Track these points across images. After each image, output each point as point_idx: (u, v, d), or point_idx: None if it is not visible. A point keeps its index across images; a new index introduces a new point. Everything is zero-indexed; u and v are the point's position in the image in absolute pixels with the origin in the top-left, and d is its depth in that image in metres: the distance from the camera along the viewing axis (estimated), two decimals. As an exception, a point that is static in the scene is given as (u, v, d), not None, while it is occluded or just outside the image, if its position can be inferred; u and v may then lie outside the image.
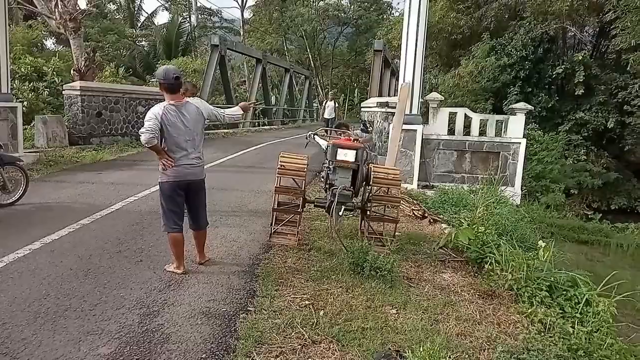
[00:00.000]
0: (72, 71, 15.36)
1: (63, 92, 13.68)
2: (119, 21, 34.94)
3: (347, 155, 5.10)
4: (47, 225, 5.84)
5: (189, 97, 4.76)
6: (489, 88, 20.78)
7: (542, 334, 4.02)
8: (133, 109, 14.72)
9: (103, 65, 19.60)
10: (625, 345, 4.44)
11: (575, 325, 4.27)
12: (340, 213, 5.23)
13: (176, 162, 4.35)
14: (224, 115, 4.88)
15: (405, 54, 10.77)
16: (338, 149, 5.11)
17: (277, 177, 5.56)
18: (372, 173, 5.55)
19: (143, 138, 4.15)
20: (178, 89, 4.36)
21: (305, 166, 5.57)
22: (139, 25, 38.09)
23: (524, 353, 3.58)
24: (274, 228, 5.78)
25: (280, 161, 5.57)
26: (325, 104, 19.46)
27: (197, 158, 4.51)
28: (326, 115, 18.68)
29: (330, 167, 5.17)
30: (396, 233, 5.99)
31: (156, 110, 4.24)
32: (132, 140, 14.26)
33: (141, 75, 29.90)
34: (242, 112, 5.09)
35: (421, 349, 3.05)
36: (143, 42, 37.37)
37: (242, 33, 41.37)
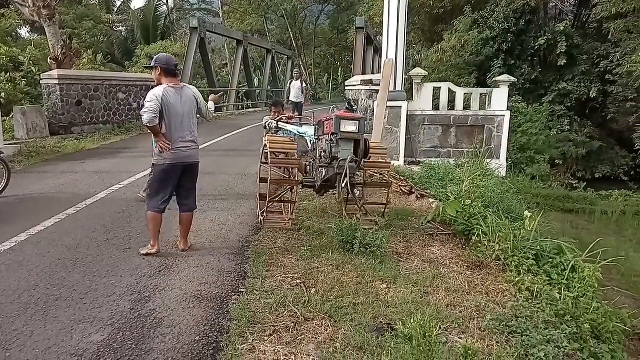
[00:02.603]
0: (49, 60, 15.04)
1: (41, 81, 13.42)
2: (94, 7, 34.12)
3: (351, 127, 5.10)
4: (32, 216, 5.77)
5: None
6: (472, 62, 20.76)
7: (530, 301, 4.10)
8: (113, 96, 14.46)
9: (80, 53, 19.15)
10: (610, 309, 4.54)
11: (562, 292, 4.35)
12: (343, 185, 5.22)
13: (174, 145, 4.45)
14: (210, 112, 5.08)
15: (388, 30, 10.70)
16: (342, 121, 5.08)
17: (269, 167, 5.45)
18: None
19: (145, 117, 4.29)
20: (176, 75, 4.62)
21: (295, 150, 5.54)
22: (115, 10, 37.24)
23: (512, 320, 3.65)
24: (266, 210, 5.70)
25: (270, 148, 5.44)
26: (291, 84, 15.70)
27: (193, 141, 4.62)
28: (292, 98, 15.33)
29: (334, 139, 5.13)
30: (385, 210, 6.02)
31: (156, 91, 4.39)
32: (114, 127, 14.05)
33: (120, 61, 29.41)
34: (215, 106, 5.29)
35: (412, 321, 3.09)
36: (120, 28, 36.66)
37: (221, 14, 40.68)
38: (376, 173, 6.35)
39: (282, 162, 5.63)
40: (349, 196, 6.03)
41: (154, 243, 4.67)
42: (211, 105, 5.21)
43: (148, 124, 4.30)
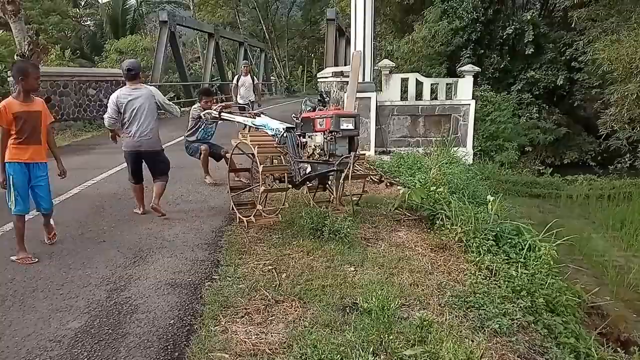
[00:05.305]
0: (15, 57, 14.74)
1: (8, 79, 13.19)
2: (60, 1, 33.29)
3: (349, 124, 5.29)
4: (5, 213, 5.77)
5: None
6: (443, 52, 21.04)
7: (488, 278, 4.35)
8: (83, 92, 14.31)
9: (48, 49, 18.80)
10: (564, 284, 4.86)
11: (519, 269, 4.61)
12: (341, 180, 5.44)
13: (132, 136, 5.47)
14: (177, 110, 5.96)
15: (355, 22, 10.88)
16: (340, 119, 5.24)
17: (263, 176, 5.14)
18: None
19: (106, 122, 5.61)
20: (132, 78, 5.49)
21: (280, 152, 5.47)
22: (82, 4, 36.46)
23: (471, 296, 3.90)
24: (245, 212, 5.67)
25: (257, 152, 5.12)
26: (238, 79, 11.72)
27: (150, 132, 5.51)
28: (239, 99, 11.49)
29: (333, 138, 5.24)
30: (354, 198, 6.19)
31: (113, 97, 5.44)
32: (85, 124, 13.93)
33: (89, 56, 28.88)
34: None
35: (373, 297, 3.30)
36: (88, 22, 35.95)
37: (192, 7, 40.09)
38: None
39: (274, 170, 5.38)
40: (320, 188, 6.18)
41: (139, 206, 5.88)
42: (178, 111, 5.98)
43: (109, 127, 5.66)
